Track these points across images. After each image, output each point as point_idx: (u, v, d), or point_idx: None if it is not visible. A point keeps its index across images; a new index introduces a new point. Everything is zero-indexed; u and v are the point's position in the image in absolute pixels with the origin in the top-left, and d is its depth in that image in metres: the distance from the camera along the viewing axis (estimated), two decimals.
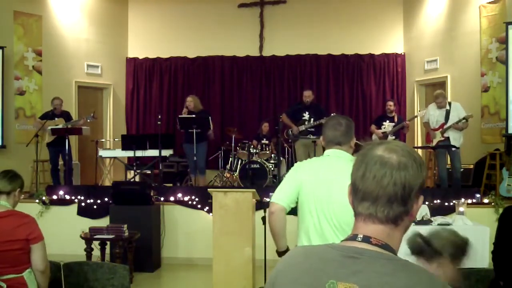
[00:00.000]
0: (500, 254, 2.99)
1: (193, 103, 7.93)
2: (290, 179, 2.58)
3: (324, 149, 2.70)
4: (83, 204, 6.98)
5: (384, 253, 1.11)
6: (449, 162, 7.41)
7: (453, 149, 7.06)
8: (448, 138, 7.09)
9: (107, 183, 9.09)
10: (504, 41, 7.69)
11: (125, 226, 5.64)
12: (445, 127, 7.11)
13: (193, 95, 8.38)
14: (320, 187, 2.44)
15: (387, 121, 8.10)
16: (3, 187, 2.99)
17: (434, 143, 7.26)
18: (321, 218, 2.43)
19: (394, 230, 1.15)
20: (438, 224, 5.43)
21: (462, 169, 7.37)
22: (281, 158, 8.71)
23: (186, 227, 6.78)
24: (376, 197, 1.12)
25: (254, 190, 5.20)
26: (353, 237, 1.15)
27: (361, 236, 1.14)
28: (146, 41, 10.84)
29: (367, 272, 1.07)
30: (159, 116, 8.00)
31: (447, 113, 7.12)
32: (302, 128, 7.81)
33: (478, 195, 6.70)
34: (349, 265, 1.09)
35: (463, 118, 7.01)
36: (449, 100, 7.73)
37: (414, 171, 1.12)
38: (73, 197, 7.05)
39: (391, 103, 8.25)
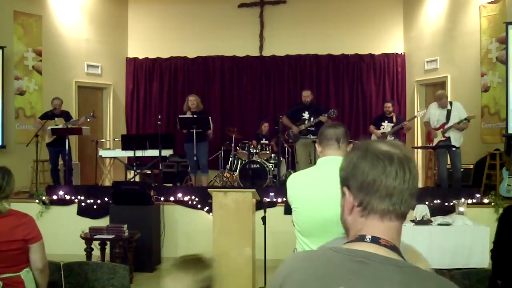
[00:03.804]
0: (499, 254, 3.01)
1: (196, 101, 7.94)
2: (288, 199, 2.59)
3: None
4: (83, 204, 6.97)
5: (393, 259, 1.09)
6: (449, 162, 7.43)
7: (453, 149, 7.08)
8: (449, 138, 7.12)
9: (107, 183, 9.09)
10: (504, 41, 7.70)
11: (125, 226, 5.64)
12: (446, 127, 7.14)
13: (194, 94, 8.38)
14: (313, 200, 2.41)
15: (386, 122, 8.10)
16: (4, 193, 2.90)
17: (435, 142, 7.29)
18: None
19: (401, 226, 1.15)
20: (438, 224, 5.43)
21: (462, 169, 7.39)
22: (281, 158, 8.71)
23: (186, 227, 6.78)
24: (401, 192, 1.11)
25: (254, 190, 5.20)
26: (360, 238, 1.13)
27: (370, 236, 1.12)
28: (146, 41, 10.83)
29: (378, 279, 1.05)
30: (159, 116, 8.00)
31: (448, 112, 7.16)
32: (302, 127, 7.82)
33: (478, 195, 6.70)
34: (358, 271, 1.07)
35: (465, 119, 7.05)
36: (449, 99, 7.74)
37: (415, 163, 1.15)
38: (73, 197, 7.05)
39: (389, 104, 8.24)
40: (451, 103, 7.25)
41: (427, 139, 7.64)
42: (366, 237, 1.12)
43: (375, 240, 1.11)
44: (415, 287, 1.05)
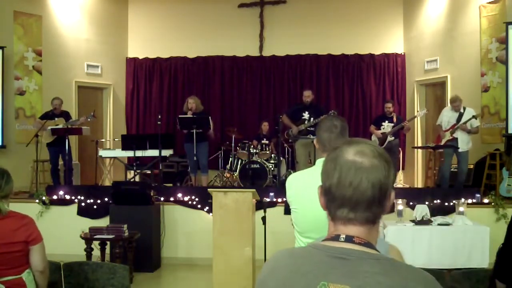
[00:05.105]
0: (506, 255, 2.96)
1: (195, 104, 7.94)
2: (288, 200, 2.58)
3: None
4: (83, 204, 6.97)
5: (370, 253, 1.12)
6: (454, 163, 7.50)
7: (459, 150, 7.16)
8: (456, 139, 7.22)
9: (107, 183, 9.09)
10: (504, 41, 7.70)
11: (125, 226, 5.64)
12: (455, 127, 7.22)
13: (193, 96, 8.38)
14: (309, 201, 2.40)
15: (386, 122, 8.10)
16: (3, 192, 2.87)
17: (443, 142, 7.38)
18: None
19: (372, 228, 1.18)
20: (438, 224, 5.43)
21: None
22: (281, 158, 8.71)
23: (186, 227, 6.78)
24: (356, 203, 1.13)
25: (254, 190, 5.20)
26: (335, 238, 1.16)
27: (344, 236, 1.15)
28: (146, 41, 10.83)
29: (358, 272, 1.08)
30: (159, 116, 8.00)
31: (460, 115, 7.31)
32: (302, 127, 7.82)
33: (478, 195, 6.70)
34: (338, 266, 1.10)
35: (473, 116, 7.17)
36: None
37: (386, 171, 1.14)
38: (73, 197, 7.05)
39: (389, 105, 8.23)
40: (464, 108, 7.37)
41: (436, 141, 7.68)
42: (341, 236, 1.16)
43: (349, 239, 1.15)
44: (394, 276, 1.08)
